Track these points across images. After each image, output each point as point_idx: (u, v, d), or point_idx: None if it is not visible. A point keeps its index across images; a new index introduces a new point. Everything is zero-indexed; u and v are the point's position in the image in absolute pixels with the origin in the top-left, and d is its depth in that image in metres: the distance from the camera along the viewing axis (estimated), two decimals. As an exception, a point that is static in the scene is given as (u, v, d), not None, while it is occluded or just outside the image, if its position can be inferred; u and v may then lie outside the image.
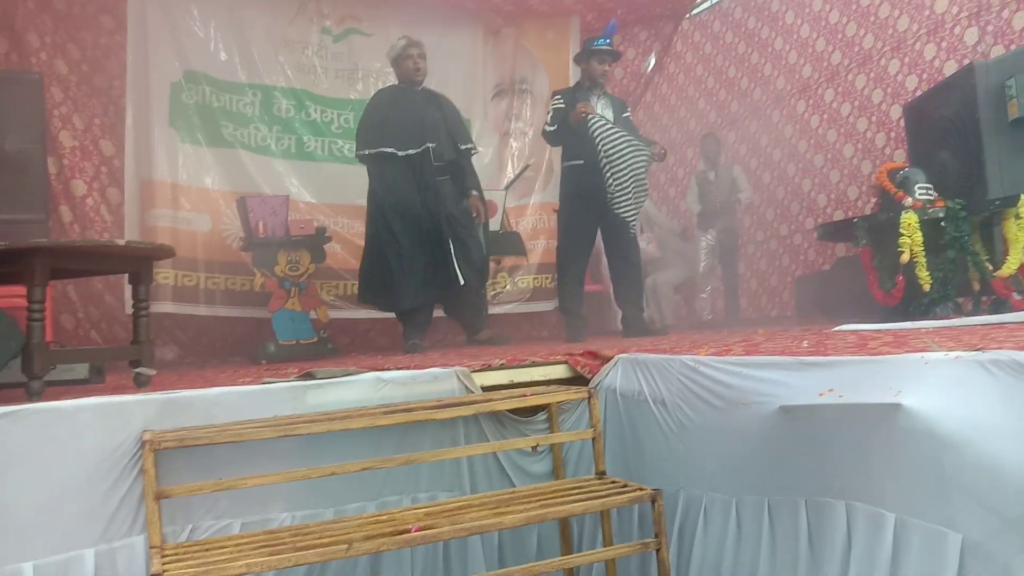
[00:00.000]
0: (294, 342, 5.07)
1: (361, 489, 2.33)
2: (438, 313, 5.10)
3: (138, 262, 2.78)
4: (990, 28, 4.94)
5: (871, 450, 1.62)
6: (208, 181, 5.76)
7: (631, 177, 4.47)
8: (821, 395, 1.76)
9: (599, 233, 4.86)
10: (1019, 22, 4.76)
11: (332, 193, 6.14)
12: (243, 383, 2.57)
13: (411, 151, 4.57)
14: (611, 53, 4.91)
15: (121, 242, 2.59)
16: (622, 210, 4.46)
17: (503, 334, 5.07)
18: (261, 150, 5.99)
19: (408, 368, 2.68)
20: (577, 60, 4.99)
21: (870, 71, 5.85)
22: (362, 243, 6.01)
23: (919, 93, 5.18)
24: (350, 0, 6.37)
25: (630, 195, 4.47)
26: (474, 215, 4.68)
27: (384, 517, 2.05)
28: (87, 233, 5.50)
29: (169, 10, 5.71)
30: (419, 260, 4.55)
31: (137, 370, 2.80)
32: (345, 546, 1.81)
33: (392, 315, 5.74)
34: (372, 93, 6.35)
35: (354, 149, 6.21)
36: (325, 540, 1.88)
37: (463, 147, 4.76)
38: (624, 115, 4.94)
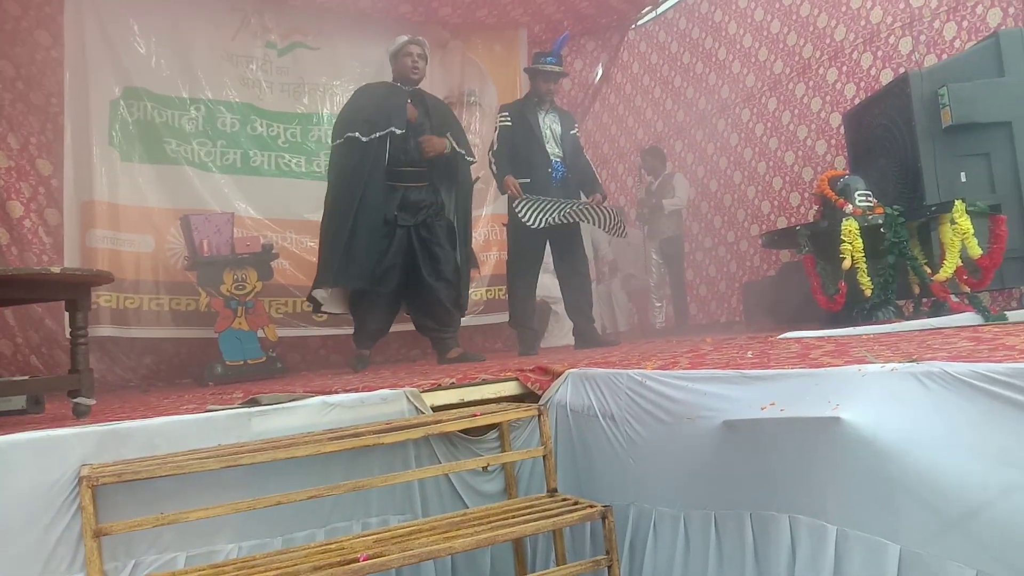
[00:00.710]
0: (242, 362, 4.99)
1: (309, 516, 2.29)
2: (397, 327, 4.95)
3: (75, 289, 2.71)
4: (923, 38, 5.09)
5: (812, 463, 1.65)
6: (151, 199, 5.64)
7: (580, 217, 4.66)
8: (763, 408, 1.79)
9: (547, 245, 4.86)
10: (950, 32, 4.92)
11: (279, 208, 6.07)
12: (186, 411, 2.51)
13: (375, 135, 4.28)
14: (556, 74, 4.93)
15: (56, 269, 2.52)
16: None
17: (475, 352, 4.76)
18: (205, 166, 5.89)
19: (356, 390, 2.65)
20: (527, 72, 5.00)
21: (809, 80, 5.99)
22: (311, 259, 5.97)
23: (857, 101, 5.31)
24: (295, 14, 6.31)
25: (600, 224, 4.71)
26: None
27: (333, 546, 2.01)
28: (25, 255, 5.35)
29: (108, 25, 5.60)
30: (375, 246, 4.26)
31: (76, 400, 2.72)
32: (292, 578, 1.77)
33: (345, 332, 5.69)
34: (319, 107, 6.38)
35: (301, 164, 6.23)
36: (271, 572, 1.85)
37: (458, 150, 4.53)
38: (571, 131, 4.96)
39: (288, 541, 2.24)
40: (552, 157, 4.80)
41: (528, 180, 4.69)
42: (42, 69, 5.58)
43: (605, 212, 4.73)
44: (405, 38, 4.61)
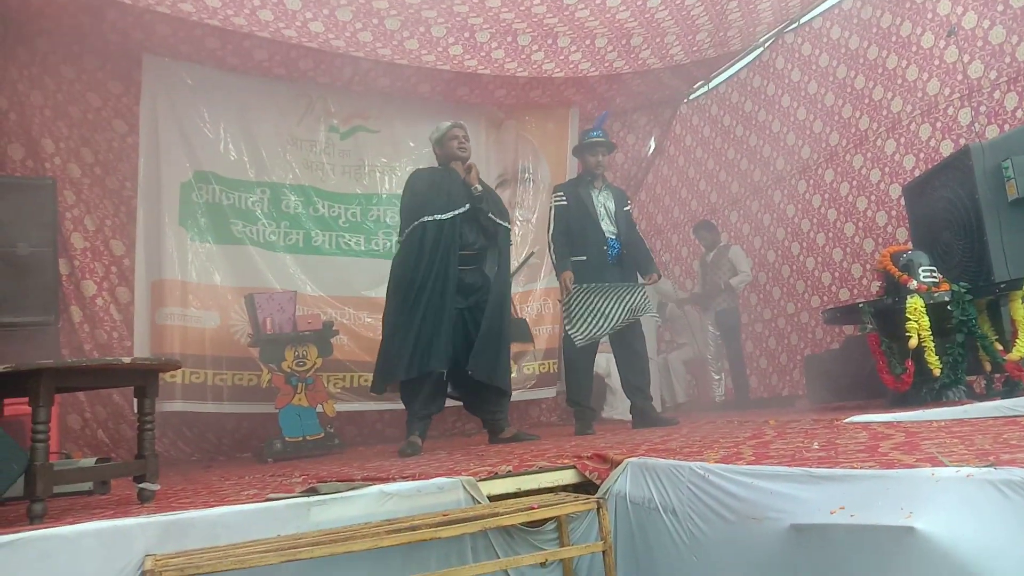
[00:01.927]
0: (301, 438, 5.05)
1: (366, 610, 2.27)
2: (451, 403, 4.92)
3: (144, 376, 2.79)
4: (983, 109, 5.02)
5: (886, 573, 1.58)
6: (217, 278, 5.84)
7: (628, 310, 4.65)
8: (832, 512, 1.72)
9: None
10: (1011, 103, 4.85)
11: (339, 286, 6.22)
12: (247, 498, 2.54)
13: (444, 216, 4.27)
14: (604, 144, 4.96)
15: (127, 360, 2.60)
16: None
17: (528, 431, 4.75)
18: (269, 245, 6.09)
19: (414, 477, 2.64)
20: (575, 153, 5.07)
21: (867, 151, 5.95)
22: (368, 335, 6.09)
23: (917, 173, 5.24)
24: (357, 99, 6.56)
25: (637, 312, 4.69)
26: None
27: (390, 645, 1.99)
28: (96, 332, 5.55)
29: (180, 113, 5.89)
30: (431, 332, 4.16)
31: (141, 486, 2.78)
32: None
33: (399, 407, 5.72)
34: (378, 187, 6.56)
35: (360, 242, 6.39)
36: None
37: (502, 224, 4.53)
38: (625, 208, 4.98)
39: (346, 636, 2.22)
40: (607, 235, 4.82)
41: (584, 258, 4.71)
42: (118, 155, 5.90)
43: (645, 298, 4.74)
44: (448, 123, 4.64)
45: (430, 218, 4.27)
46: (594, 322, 4.57)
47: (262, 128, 6.22)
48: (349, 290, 6.23)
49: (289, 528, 2.31)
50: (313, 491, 2.49)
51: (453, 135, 4.57)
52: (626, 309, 4.60)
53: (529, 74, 6.41)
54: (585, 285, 4.64)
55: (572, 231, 4.78)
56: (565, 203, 4.80)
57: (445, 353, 4.15)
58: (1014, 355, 3.67)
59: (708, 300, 6.96)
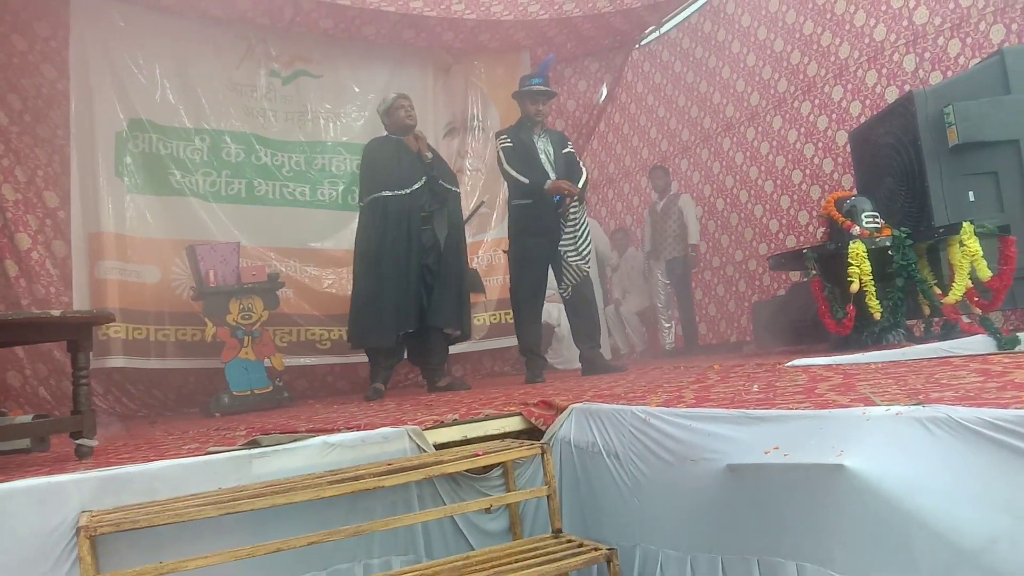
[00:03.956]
0: (248, 392, 4.99)
1: (310, 560, 2.26)
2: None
3: (76, 330, 2.70)
4: (927, 55, 5.06)
5: (818, 510, 1.61)
6: (156, 230, 5.66)
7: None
8: (767, 452, 1.75)
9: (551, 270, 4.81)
10: (954, 49, 4.90)
11: (284, 237, 6.09)
12: (188, 452, 2.49)
13: (405, 190, 4.62)
14: (545, 93, 4.84)
15: (56, 313, 2.51)
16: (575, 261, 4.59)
17: (462, 380, 5.03)
18: (210, 196, 5.91)
19: (359, 427, 2.62)
20: (514, 97, 4.93)
21: (815, 98, 5.97)
22: (316, 287, 6.02)
23: (863, 119, 5.28)
24: (298, 42, 6.34)
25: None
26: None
27: (333, 593, 1.98)
28: (33, 287, 5.37)
29: (112, 58, 5.64)
30: (398, 300, 4.58)
31: (78, 442, 2.71)
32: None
33: (349, 360, 5.71)
34: (322, 134, 6.42)
35: (305, 192, 6.27)
36: (270, 623, 1.82)
37: (452, 188, 4.86)
38: (564, 150, 4.86)
39: (289, 587, 2.21)
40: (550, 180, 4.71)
41: (529, 201, 4.66)
42: (48, 102, 5.63)
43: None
44: (393, 95, 4.92)
45: (390, 193, 4.60)
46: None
47: (200, 73, 5.99)
48: (294, 241, 6.11)
49: (230, 481, 2.28)
50: (255, 443, 2.46)
51: (399, 105, 4.81)
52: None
53: (477, 16, 6.27)
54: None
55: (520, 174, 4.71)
56: (511, 145, 4.72)
57: (414, 314, 4.58)
58: (951, 298, 3.76)
59: (660, 249, 7.01)
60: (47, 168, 5.60)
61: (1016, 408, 1.43)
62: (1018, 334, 3.71)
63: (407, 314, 4.55)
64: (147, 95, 5.76)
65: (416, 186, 4.63)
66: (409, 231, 4.59)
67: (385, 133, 4.87)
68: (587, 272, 4.67)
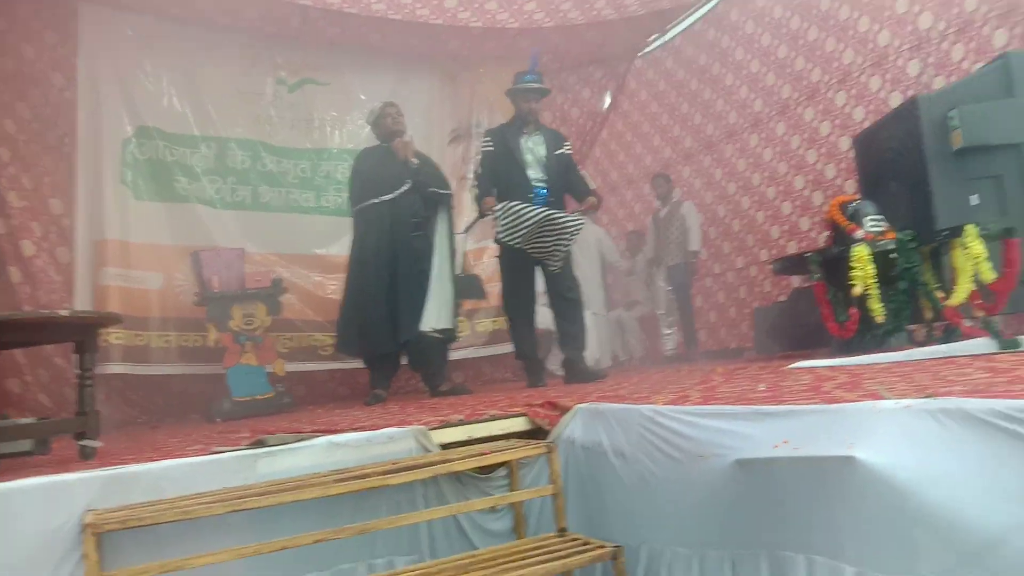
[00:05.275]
0: (249, 398, 4.98)
1: (315, 559, 2.25)
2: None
3: (83, 331, 2.71)
4: (931, 60, 5.07)
5: (828, 503, 1.60)
6: (161, 237, 5.66)
7: (553, 240, 4.47)
8: (776, 447, 1.74)
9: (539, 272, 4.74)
10: (957, 54, 4.90)
11: (288, 243, 6.09)
12: (192, 453, 2.49)
13: (388, 196, 4.69)
14: (537, 90, 4.76)
15: (64, 312, 2.52)
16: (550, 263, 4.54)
17: (463, 385, 5.04)
18: (216, 203, 5.92)
19: (363, 428, 2.62)
20: (507, 95, 4.87)
21: (818, 104, 5.98)
22: (319, 293, 6.02)
23: (866, 124, 5.29)
24: (305, 50, 6.36)
25: (550, 250, 4.50)
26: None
27: (339, 591, 1.97)
28: (36, 294, 5.37)
29: (120, 66, 5.66)
30: (388, 308, 4.64)
31: (82, 442, 2.71)
32: (297, 626, 1.73)
33: (350, 366, 5.71)
34: (328, 142, 6.44)
35: (310, 199, 6.29)
36: (276, 620, 1.81)
37: (444, 192, 4.94)
38: (558, 151, 4.75)
39: (294, 585, 2.20)
40: (533, 182, 4.62)
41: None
42: (56, 110, 5.63)
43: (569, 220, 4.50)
44: (380, 103, 5.01)
45: (378, 200, 4.68)
46: (522, 218, 4.46)
47: (207, 81, 6.00)
48: (299, 248, 6.11)
49: (236, 480, 2.27)
50: (260, 443, 2.46)
51: (386, 113, 4.91)
52: (549, 224, 4.45)
53: (483, 24, 6.28)
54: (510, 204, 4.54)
55: (499, 177, 4.65)
56: (492, 149, 4.69)
57: (414, 322, 4.61)
58: (953, 301, 3.75)
59: (662, 256, 7.02)
60: (54, 175, 5.60)
61: (1026, 398, 1.42)
62: (1019, 337, 3.70)
63: (401, 324, 4.59)
64: (154, 102, 5.78)
65: (401, 190, 4.69)
66: (396, 238, 4.65)
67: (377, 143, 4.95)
68: (563, 267, 4.57)
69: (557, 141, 4.85)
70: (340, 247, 6.15)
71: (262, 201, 6.11)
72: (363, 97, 6.55)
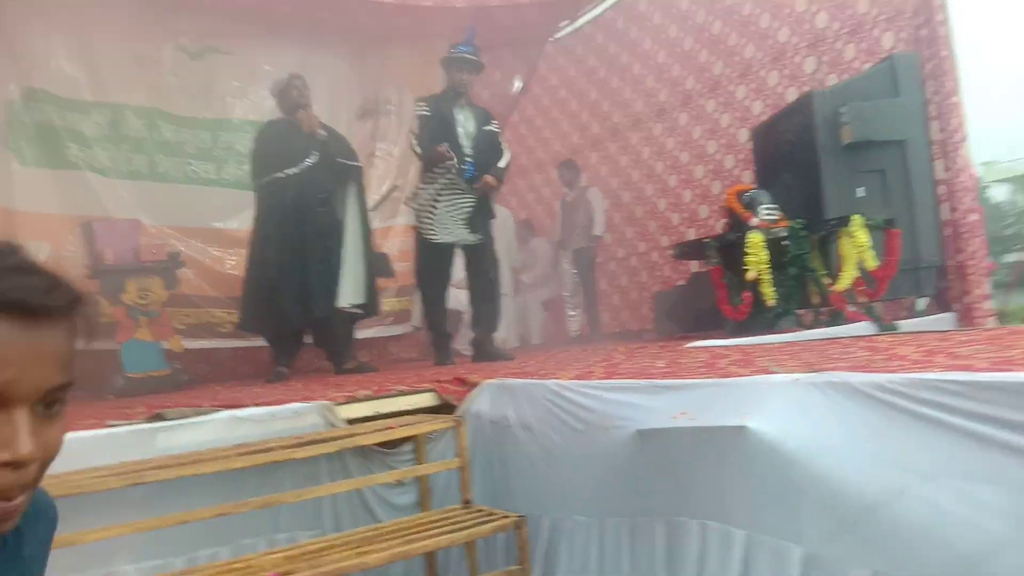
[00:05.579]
0: (144, 374, 4.79)
1: (214, 534, 2.21)
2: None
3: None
4: (826, 58, 5.32)
5: (722, 471, 1.69)
6: (49, 206, 5.35)
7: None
8: (675, 418, 1.83)
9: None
10: (850, 53, 5.16)
11: (186, 216, 5.87)
12: (84, 427, 2.39)
13: (293, 170, 4.60)
14: (471, 63, 4.72)
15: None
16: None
17: (369, 364, 4.97)
18: (109, 171, 5.63)
19: (267, 404, 2.58)
20: (441, 64, 4.82)
21: (719, 96, 6.18)
22: (218, 268, 5.84)
23: (764, 117, 5.51)
24: (209, 17, 6.09)
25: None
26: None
27: (239, 564, 1.95)
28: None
29: (6, 22, 5.30)
30: (296, 285, 4.58)
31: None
32: (197, 600, 1.71)
33: (253, 344, 5.58)
34: (229, 112, 6.23)
35: (209, 171, 6.08)
36: (175, 594, 1.78)
37: (353, 164, 4.88)
38: (486, 127, 4.77)
39: (191, 561, 2.16)
40: (465, 157, 4.61)
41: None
42: (-64, 70, 5.25)
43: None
44: (286, 75, 4.92)
45: (282, 174, 4.59)
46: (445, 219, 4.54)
47: (102, 44, 5.67)
48: (197, 221, 5.90)
49: (133, 454, 2.21)
50: (159, 416, 2.39)
51: (292, 85, 4.81)
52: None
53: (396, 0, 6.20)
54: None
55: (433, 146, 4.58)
56: (429, 114, 4.64)
57: (328, 298, 4.57)
58: (838, 286, 3.98)
59: (568, 240, 7.15)
60: (-68, 139, 5.23)
61: (904, 373, 1.54)
62: (896, 323, 3.97)
63: (313, 300, 4.53)
64: (44, 64, 5.43)
65: (306, 163, 4.61)
66: (301, 213, 4.57)
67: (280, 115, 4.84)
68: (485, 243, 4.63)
69: (486, 117, 4.85)
70: (240, 221, 5.96)
71: (159, 171, 5.86)
72: (268, 68, 6.34)
